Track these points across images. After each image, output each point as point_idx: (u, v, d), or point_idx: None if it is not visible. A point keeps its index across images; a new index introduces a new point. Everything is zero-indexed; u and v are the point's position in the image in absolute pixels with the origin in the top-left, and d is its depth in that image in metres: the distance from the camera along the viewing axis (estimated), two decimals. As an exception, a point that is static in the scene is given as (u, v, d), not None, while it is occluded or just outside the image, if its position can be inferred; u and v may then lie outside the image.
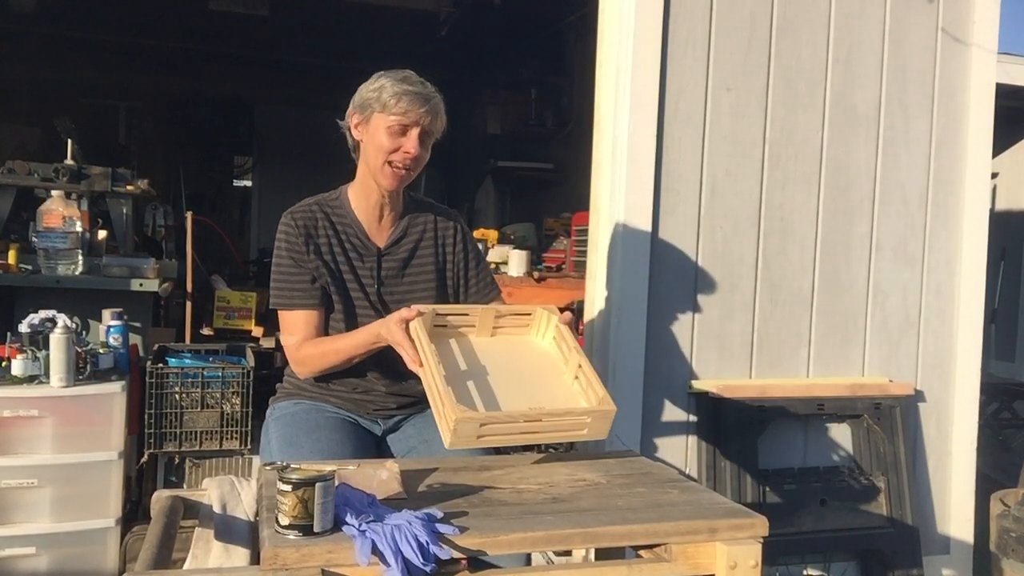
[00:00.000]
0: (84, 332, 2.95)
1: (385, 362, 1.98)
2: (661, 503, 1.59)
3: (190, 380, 2.93)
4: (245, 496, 1.92)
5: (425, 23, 5.88)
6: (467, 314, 1.90)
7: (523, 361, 1.88)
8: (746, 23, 2.75)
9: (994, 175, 4.93)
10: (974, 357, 3.00)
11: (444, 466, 1.76)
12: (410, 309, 1.80)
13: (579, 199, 3.35)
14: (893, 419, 2.83)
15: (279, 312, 2.05)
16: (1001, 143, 4.32)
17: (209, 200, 7.67)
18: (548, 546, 1.47)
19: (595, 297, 2.75)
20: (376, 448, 2.09)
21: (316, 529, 1.33)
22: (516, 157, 6.31)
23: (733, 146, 2.75)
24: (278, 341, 3.27)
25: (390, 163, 1.98)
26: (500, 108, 6.47)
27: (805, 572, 2.78)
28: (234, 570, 1.75)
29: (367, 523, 1.34)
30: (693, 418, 2.74)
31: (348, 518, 1.36)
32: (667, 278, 2.70)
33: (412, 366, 1.76)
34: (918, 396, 2.97)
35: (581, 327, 2.88)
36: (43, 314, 2.70)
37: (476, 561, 1.46)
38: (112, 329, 2.90)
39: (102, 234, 3.57)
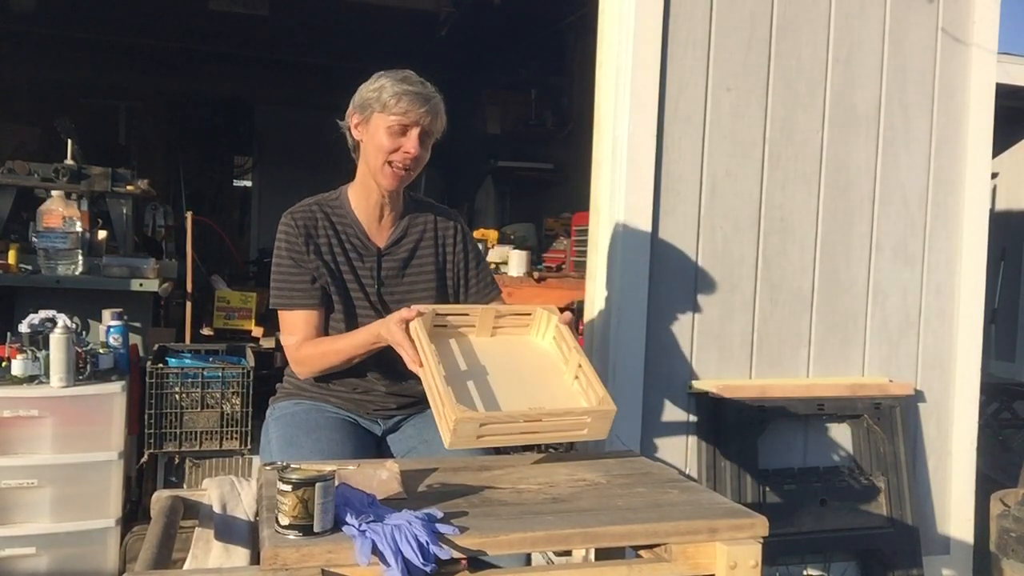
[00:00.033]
0: (84, 332, 2.95)
1: (385, 362, 1.98)
2: (661, 503, 1.59)
3: (190, 380, 2.93)
4: (245, 496, 1.92)
5: (425, 23, 5.88)
6: (467, 314, 1.90)
7: (523, 361, 1.88)
8: (746, 23, 2.75)
9: (994, 175, 4.94)
10: (974, 357, 3.00)
11: (444, 466, 1.76)
12: (410, 309, 1.80)
13: (579, 199, 3.35)
14: (893, 419, 2.83)
15: (279, 312, 2.05)
16: (1001, 143, 4.33)
17: (209, 200, 7.68)
18: (548, 546, 1.47)
19: (595, 297, 2.75)
20: (376, 448, 2.09)
21: (316, 529, 1.33)
22: (516, 157, 6.31)
23: (733, 146, 2.75)
24: (278, 341, 3.27)
25: (390, 163, 1.98)
26: (500, 108, 6.47)
27: (805, 572, 2.78)
28: (234, 570, 1.75)
29: (367, 523, 1.34)
30: (693, 418, 2.74)
31: (348, 518, 1.36)
32: (667, 278, 2.70)
33: (412, 366, 1.76)
34: (918, 396, 2.97)
35: (581, 327, 2.88)
36: (43, 314, 2.70)
37: (476, 561, 1.46)
38: (112, 329, 2.90)
39: (102, 234, 3.58)
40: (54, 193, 3.29)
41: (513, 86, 6.48)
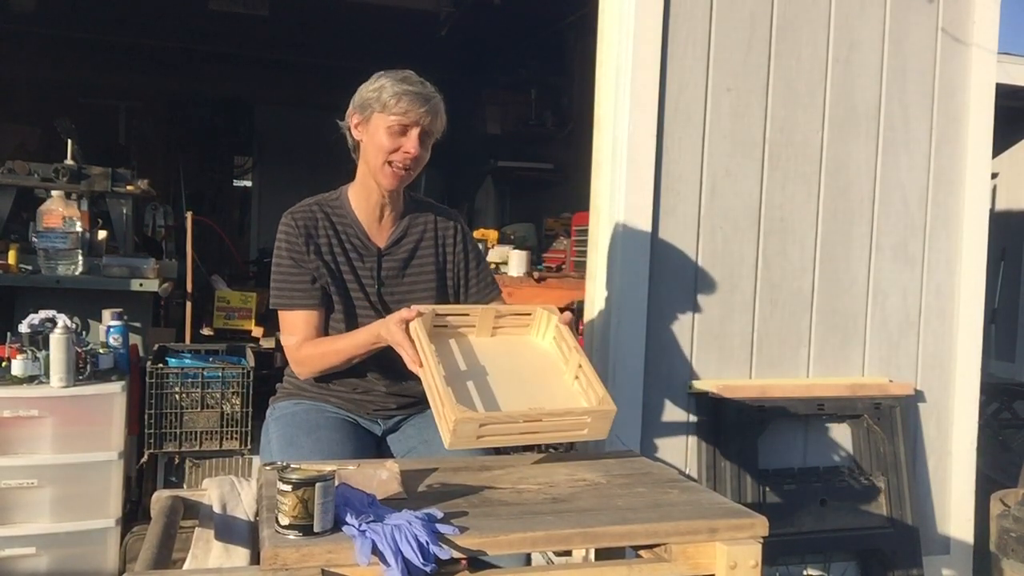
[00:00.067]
0: (84, 332, 2.96)
1: (385, 362, 1.98)
2: (661, 503, 1.59)
3: (190, 380, 2.93)
4: (245, 496, 1.92)
5: (425, 23, 5.88)
6: (467, 314, 1.90)
7: (523, 361, 1.88)
8: (746, 23, 2.75)
9: (994, 175, 4.93)
10: (974, 357, 3.00)
11: (444, 466, 1.76)
12: (410, 309, 1.80)
13: (579, 199, 3.35)
14: (893, 419, 2.83)
15: (279, 312, 2.05)
16: (1001, 143, 4.32)
17: (209, 200, 7.67)
18: (548, 546, 1.47)
19: (595, 297, 2.75)
20: (376, 448, 2.09)
21: (316, 529, 1.33)
22: (516, 157, 6.31)
23: (733, 146, 2.75)
24: (278, 341, 3.27)
25: (390, 163, 1.98)
26: (500, 108, 6.47)
27: (805, 572, 2.78)
28: (234, 570, 1.75)
29: (367, 523, 1.34)
30: (693, 418, 2.74)
31: (348, 518, 1.36)
32: (667, 278, 2.70)
33: (412, 366, 1.76)
34: (918, 396, 2.97)
35: (581, 327, 2.88)
36: (43, 314, 2.70)
37: (476, 561, 1.46)
38: (112, 329, 2.90)
39: (102, 234, 3.58)
40: (54, 193, 3.29)
41: (513, 86, 6.48)
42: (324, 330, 2.04)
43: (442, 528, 1.36)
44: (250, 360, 3.11)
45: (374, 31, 6.22)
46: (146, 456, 2.91)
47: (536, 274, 4.17)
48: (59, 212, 3.20)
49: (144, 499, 2.84)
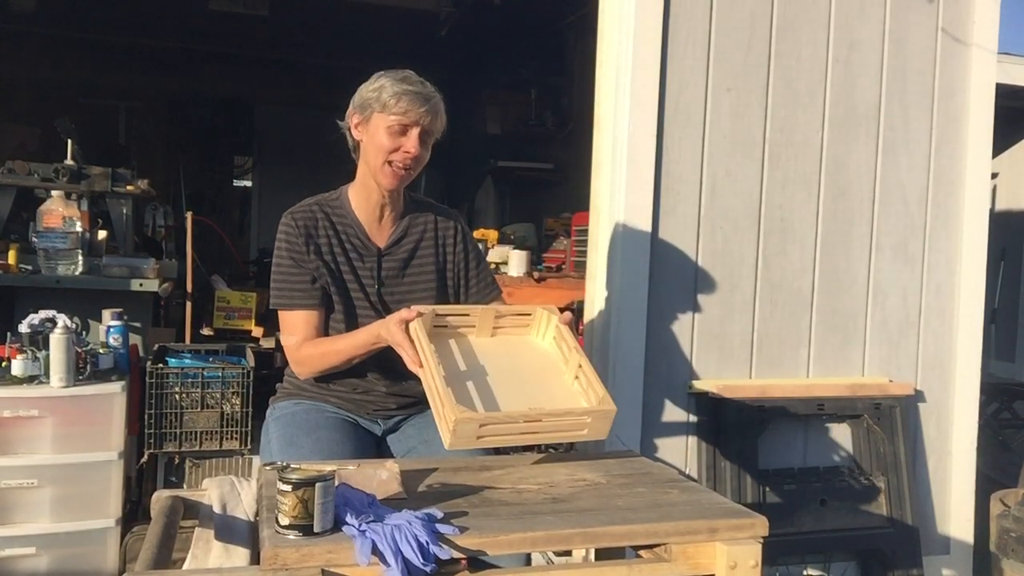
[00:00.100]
0: (84, 332, 2.96)
1: (385, 362, 1.98)
2: (661, 503, 1.59)
3: (190, 380, 2.93)
4: (245, 496, 1.92)
5: (425, 23, 5.88)
6: (467, 314, 1.90)
7: (523, 361, 1.88)
8: (746, 23, 2.75)
9: (994, 175, 4.93)
10: (974, 357, 3.00)
11: (444, 466, 1.76)
12: (410, 310, 1.80)
13: (579, 199, 3.35)
14: (893, 419, 2.83)
15: (279, 312, 2.05)
16: (1001, 143, 4.32)
17: (209, 200, 7.67)
18: (548, 546, 1.47)
19: (595, 297, 2.75)
20: (376, 448, 2.09)
21: (316, 529, 1.33)
22: (516, 157, 6.31)
23: (733, 146, 2.75)
24: (278, 341, 3.27)
25: (390, 163, 1.98)
26: (500, 108, 6.47)
27: (805, 572, 2.78)
28: (234, 570, 1.75)
29: (367, 523, 1.34)
30: (693, 418, 2.74)
31: (348, 518, 1.36)
32: (667, 278, 2.70)
33: (412, 367, 1.76)
34: (918, 396, 2.97)
35: (581, 327, 2.88)
36: (43, 314, 2.70)
37: (476, 561, 1.46)
38: (112, 329, 2.90)
39: (102, 234, 3.58)
40: (54, 193, 3.29)
41: (513, 86, 6.48)
42: (324, 330, 2.04)
43: (442, 528, 1.36)
44: (250, 360, 3.11)
45: (374, 31, 6.22)
46: (146, 456, 2.91)
47: (536, 274, 4.17)
48: (59, 212, 3.21)
49: (144, 499, 2.84)
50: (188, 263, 3.79)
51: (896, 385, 2.90)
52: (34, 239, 3.21)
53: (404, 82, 1.96)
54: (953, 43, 2.95)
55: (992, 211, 3.80)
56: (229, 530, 1.88)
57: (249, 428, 2.95)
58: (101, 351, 2.82)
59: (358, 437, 2.04)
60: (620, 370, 2.64)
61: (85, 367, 2.69)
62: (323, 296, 2.03)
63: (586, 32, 4.56)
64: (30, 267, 3.27)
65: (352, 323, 2.04)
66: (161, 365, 2.94)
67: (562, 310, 1.96)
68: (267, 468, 1.64)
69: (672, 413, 2.73)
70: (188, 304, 3.76)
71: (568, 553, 2.23)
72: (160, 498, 1.85)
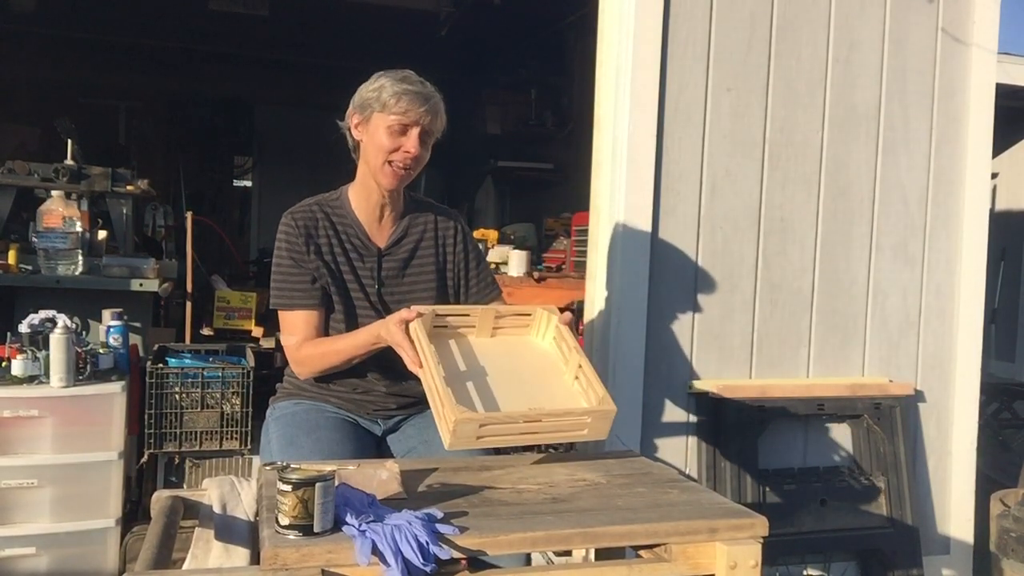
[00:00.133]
0: (84, 332, 2.95)
1: (385, 362, 1.98)
2: (661, 503, 1.59)
3: (190, 380, 2.93)
4: (245, 496, 1.92)
5: (425, 23, 5.88)
6: (467, 315, 1.90)
7: (523, 361, 1.88)
8: (746, 23, 2.75)
9: (994, 175, 4.93)
10: (974, 357, 3.00)
11: (444, 466, 1.76)
12: (410, 310, 1.80)
13: (579, 199, 3.35)
14: (893, 419, 2.84)
15: (279, 312, 2.05)
16: (1001, 143, 4.32)
17: (209, 200, 7.67)
18: (548, 546, 1.47)
19: (595, 297, 2.75)
20: (376, 448, 2.09)
21: (316, 529, 1.33)
22: (516, 157, 6.31)
23: (733, 146, 2.75)
24: (278, 341, 3.27)
25: (390, 163, 1.98)
26: (500, 108, 6.47)
27: (805, 572, 2.78)
28: (234, 570, 1.75)
29: (367, 523, 1.34)
30: (693, 418, 2.74)
31: (348, 518, 1.36)
32: (667, 278, 2.70)
33: (412, 367, 1.76)
34: (918, 396, 2.97)
35: (581, 327, 2.88)
36: (43, 314, 2.70)
37: (476, 561, 1.46)
38: (112, 329, 2.90)
39: (102, 234, 3.58)
40: (54, 193, 3.29)
41: (513, 86, 6.48)
42: (324, 330, 2.04)
43: (442, 528, 1.36)
44: (250, 360, 3.11)
45: (374, 31, 6.22)
46: (146, 456, 2.91)
47: (536, 274, 4.17)
48: (59, 212, 3.20)
49: (144, 499, 2.84)
50: (188, 263, 3.79)
51: (896, 385, 2.90)
52: (34, 239, 3.21)
53: (404, 82, 1.96)
54: (953, 43, 2.95)
55: (992, 211, 3.80)
56: (229, 530, 1.88)
57: (249, 428, 2.95)
58: (101, 351, 2.82)
59: (358, 437, 2.04)
60: (620, 370, 2.64)
61: (85, 367, 2.69)
62: (323, 296, 2.03)
63: (586, 32, 4.56)
64: (30, 267, 3.27)
65: (352, 323, 2.04)
66: (161, 365, 2.94)
67: (562, 310, 1.96)
68: (267, 468, 1.64)
69: (672, 413, 2.73)
70: (188, 304, 3.76)
71: (568, 553, 2.23)
72: (160, 498, 1.85)
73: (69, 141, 3.72)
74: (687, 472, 2.70)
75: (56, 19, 6.24)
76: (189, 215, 3.94)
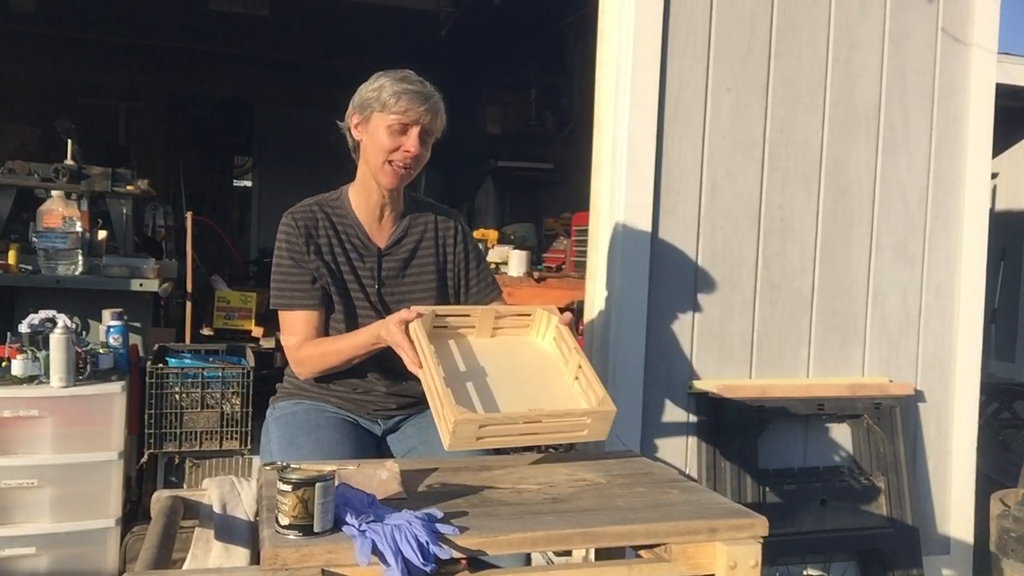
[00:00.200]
0: (84, 332, 2.95)
1: (385, 362, 1.98)
2: (661, 503, 1.59)
3: (190, 380, 2.93)
4: (245, 496, 1.92)
5: (425, 23, 5.89)
6: (467, 315, 1.90)
7: (523, 362, 1.88)
8: (746, 23, 2.75)
9: (994, 175, 4.93)
10: (974, 357, 3.00)
11: (444, 466, 1.76)
12: (409, 311, 1.80)
13: (579, 199, 3.35)
14: (893, 419, 2.83)
15: (279, 312, 2.05)
16: (1001, 143, 4.32)
17: (209, 200, 7.67)
18: (548, 546, 1.47)
19: (595, 297, 2.75)
20: (376, 448, 2.09)
21: (316, 529, 1.33)
22: (516, 157, 6.31)
23: (733, 146, 2.75)
24: (278, 341, 3.27)
25: (390, 162, 1.98)
26: (500, 108, 6.47)
27: (805, 572, 2.78)
28: (234, 570, 1.75)
29: (367, 523, 1.34)
30: (693, 418, 2.74)
31: (348, 518, 1.36)
32: (667, 278, 2.70)
33: (412, 367, 1.76)
34: (918, 396, 2.97)
35: (581, 327, 2.88)
36: (43, 314, 2.70)
37: (476, 561, 1.46)
38: (112, 329, 2.90)
39: (102, 234, 3.58)
40: (54, 193, 3.29)
41: (513, 86, 6.48)
42: (324, 330, 2.04)
43: (442, 528, 1.36)
44: (250, 360, 3.11)
45: (374, 31, 6.22)
46: (146, 456, 2.91)
47: (536, 274, 4.17)
48: (59, 212, 3.21)
49: (144, 499, 2.84)
50: (188, 263, 3.79)
51: (896, 385, 2.90)
52: (34, 239, 3.21)
53: (404, 81, 1.96)
54: (953, 43, 2.95)
55: (992, 211, 3.80)
56: (229, 530, 1.88)
57: (249, 428, 2.95)
58: (101, 351, 2.82)
59: (358, 437, 2.04)
60: (620, 370, 2.64)
61: (85, 367, 2.69)
62: (323, 296, 2.03)
63: (586, 32, 4.56)
64: (30, 267, 3.27)
65: (352, 323, 2.04)
66: (161, 365, 2.94)
67: (562, 310, 1.96)
68: (267, 468, 1.64)
69: (672, 413, 2.73)
70: (188, 304, 3.76)
71: (568, 553, 2.23)
72: (160, 498, 1.85)
73: (69, 141, 3.72)
74: (687, 472, 2.70)
75: (56, 19, 6.25)
76: (189, 215, 3.94)
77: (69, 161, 3.64)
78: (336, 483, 1.39)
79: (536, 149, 6.30)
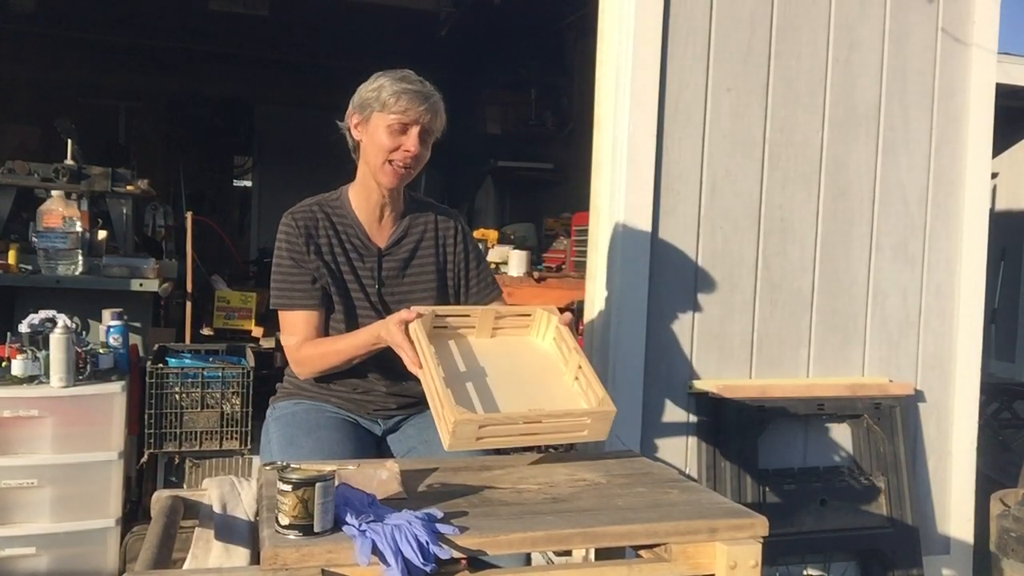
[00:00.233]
0: (84, 332, 2.95)
1: (385, 362, 1.98)
2: (661, 503, 1.59)
3: (190, 380, 2.93)
4: (245, 496, 1.92)
5: (425, 23, 5.89)
6: (467, 315, 1.90)
7: (523, 362, 1.88)
8: (746, 23, 2.75)
9: (994, 175, 4.93)
10: (974, 357, 3.00)
11: (444, 466, 1.76)
12: (409, 311, 1.80)
13: (579, 199, 3.35)
14: (893, 419, 2.84)
15: (279, 312, 2.05)
16: (1001, 143, 4.32)
17: (209, 200, 7.67)
18: (548, 546, 1.47)
19: (595, 297, 2.75)
20: (376, 448, 2.09)
21: (316, 529, 1.33)
22: (516, 157, 6.31)
23: (733, 146, 2.75)
24: (278, 341, 3.27)
25: (390, 162, 1.98)
26: (500, 108, 6.47)
27: (805, 572, 2.78)
28: (234, 570, 1.75)
29: (367, 523, 1.34)
30: (693, 418, 2.74)
31: (348, 518, 1.36)
32: (667, 278, 2.70)
33: (412, 368, 1.76)
34: (918, 396, 2.97)
35: (581, 327, 2.88)
36: (43, 314, 2.70)
37: (476, 561, 1.46)
38: (112, 329, 2.90)
39: (102, 234, 3.58)
40: (54, 193, 3.29)
41: (513, 86, 6.48)
42: (324, 330, 2.04)
43: (442, 528, 1.36)
44: (250, 360, 3.11)
45: (374, 31, 6.22)
46: (146, 456, 2.91)
47: (536, 274, 4.17)
48: (59, 212, 3.21)
49: (144, 499, 2.84)
50: (188, 263, 3.79)
51: (896, 385, 2.90)
52: (34, 239, 3.21)
53: (403, 81, 1.97)
54: (953, 43, 2.95)
55: (992, 211, 3.80)
56: (229, 530, 1.88)
57: (249, 428, 2.95)
58: (101, 351, 2.82)
59: (358, 437, 2.04)
60: (620, 370, 2.64)
61: (85, 367, 2.69)
62: (323, 296, 2.03)
63: (586, 32, 4.56)
64: (30, 267, 3.27)
65: (352, 323, 2.04)
66: (161, 365, 2.94)
67: (562, 310, 1.96)
68: (267, 468, 1.64)
69: (672, 413, 2.73)
70: (188, 304, 3.76)
71: (568, 553, 2.23)
72: (160, 498, 1.85)
73: (69, 141, 3.72)
74: (687, 472, 2.70)
75: (56, 19, 6.25)
76: (189, 215, 3.94)
77: (69, 161, 3.64)
78: (336, 483, 1.39)
79: (536, 149, 6.30)
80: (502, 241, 4.81)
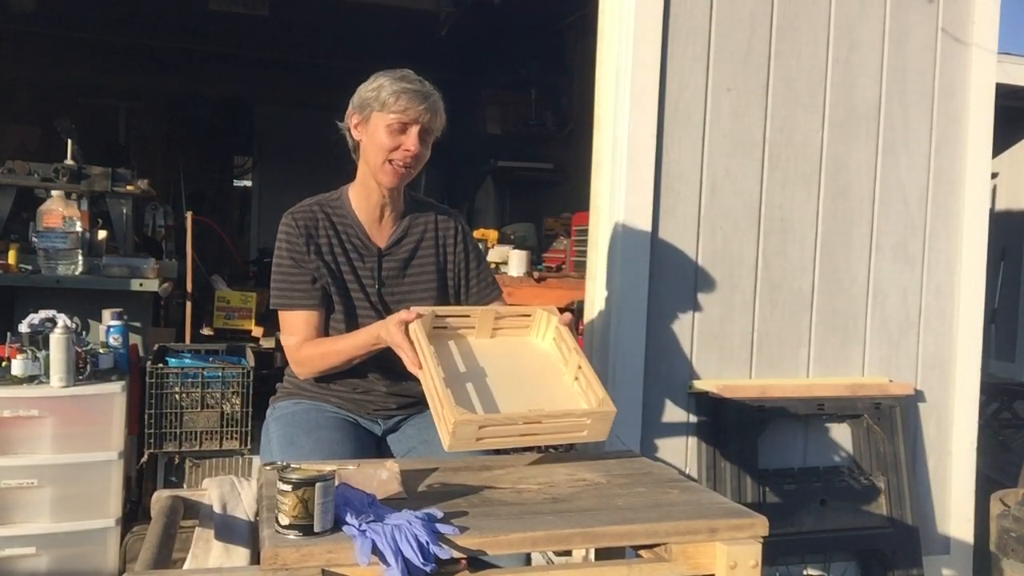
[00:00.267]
0: (84, 332, 2.95)
1: (385, 362, 1.98)
2: (661, 503, 1.59)
3: (190, 380, 2.93)
4: (245, 496, 1.92)
5: (425, 23, 5.89)
6: (467, 315, 1.90)
7: (523, 362, 1.88)
8: (746, 23, 2.75)
9: (994, 175, 4.93)
10: (974, 357, 3.01)
11: (444, 466, 1.76)
12: (409, 311, 1.80)
13: (579, 199, 3.35)
14: (893, 419, 2.84)
15: (279, 312, 2.05)
16: (1001, 143, 4.33)
17: (209, 200, 7.67)
18: (548, 546, 1.47)
19: (595, 297, 2.75)
20: (376, 448, 2.09)
21: (316, 529, 1.33)
22: (516, 157, 6.31)
23: (733, 146, 2.75)
24: (278, 341, 3.27)
25: (390, 161, 1.98)
26: (500, 108, 6.47)
27: (805, 572, 2.78)
28: (234, 570, 1.75)
29: (367, 523, 1.34)
30: (693, 418, 2.75)
31: (348, 518, 1.36)
32: (667, 278, 2.70)
33: (411, 368, 1.76)
34: (918, 396, 2.97)
35: (581, 327, 2.88)
36: (43, 314, 2.70)
37: (476, 561, 1.46)
38: (112, 329, 2.90)
39: (102, 234, 3.58)
40: (54, 193, 3.29)
41: (513, 86, 6.48)
42: (324, 330, 2.04)
43: (442, 528, 1.36)
44: (250, 360, 3.11)
45: (374, 31, 6.22)
46: (146, 456, 2.91)
47: (536, 274, 4.17)
48: (59, 212, 3.21)
49: (144, 499, 2.84)
50: (188, 263, 3.79)
51: (896, 385, 2.90)
52: (34, 239, 3.21)
53: (403, 80, 1.97)
54: (953, 43, 2.95)
55: (992, 211, 3.80)
56: (229, 530, 1.88)
57: (249, 428, 2.95)
58: (101, 351, 2.82)
59: (358, 437, 2.04)
60: (620, 370, 2.64)
61: (85, 367, 2.69)
62: (323, 296, 2.03)
63: (586, 32, 4.56)
64: (30, 267, 3.27)
65: (352, 323, 2.04)
66: (161, 365, 2.94)
67: (562, 310, 1.96)
68: (267, 468, 1.64)
69: (672, 413, 2.73)
70: (188, 304, 3.76)
71: (568, 553, 2.23)
72: (160, 498, 1.85)
73: (69, 141, 3.72)
74: (687, 472, 2.70)
75: (56, 19, 6.25)
76: (189, 215, 3.94)
77: (69, 161, 3.64)
78: (336, 483, 1.39)
79: (536, 149, 6.30)
80: (502, 241, 4.81)
